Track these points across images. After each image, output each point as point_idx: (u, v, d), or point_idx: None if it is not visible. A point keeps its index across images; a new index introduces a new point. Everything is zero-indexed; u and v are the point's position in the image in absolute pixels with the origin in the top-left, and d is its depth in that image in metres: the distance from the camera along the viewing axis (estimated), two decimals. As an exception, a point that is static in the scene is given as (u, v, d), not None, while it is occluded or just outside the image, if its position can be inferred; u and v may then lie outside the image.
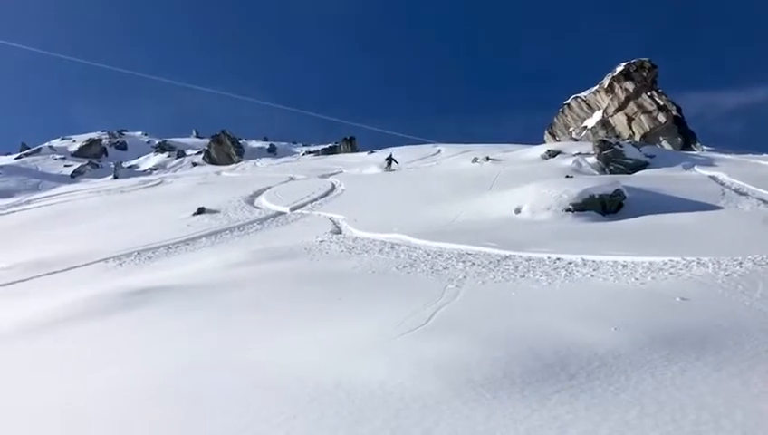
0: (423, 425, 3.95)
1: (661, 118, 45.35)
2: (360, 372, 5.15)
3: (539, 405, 4.21)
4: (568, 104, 54.58)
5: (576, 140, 47.98)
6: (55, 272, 16.59)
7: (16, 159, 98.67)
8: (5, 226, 31.84)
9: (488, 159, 36.48)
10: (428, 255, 12.51)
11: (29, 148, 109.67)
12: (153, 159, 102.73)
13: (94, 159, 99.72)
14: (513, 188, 20.17)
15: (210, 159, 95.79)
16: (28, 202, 45.43)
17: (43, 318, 9.56)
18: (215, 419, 4.39)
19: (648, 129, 45.59)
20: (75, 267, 17.02)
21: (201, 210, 26.57)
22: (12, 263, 18.12)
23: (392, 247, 13.92)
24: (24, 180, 76.26)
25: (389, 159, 40.63)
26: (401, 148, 68.93)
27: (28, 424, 4.96)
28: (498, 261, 11.26)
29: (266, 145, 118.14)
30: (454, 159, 44.70)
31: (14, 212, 38.40)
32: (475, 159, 37.63)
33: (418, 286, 9.60)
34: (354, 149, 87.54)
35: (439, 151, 55.54)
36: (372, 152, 69.40)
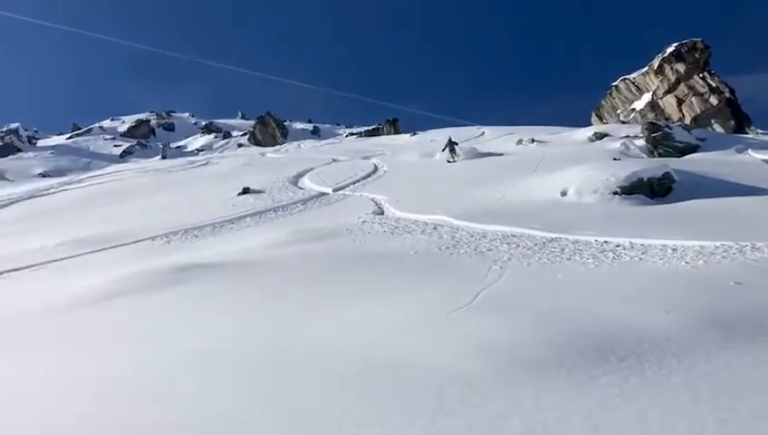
0: (468, 403, 3.90)
1: (713, 100, 43.95)
2: (405, 350, 5.13)
3: (587, 386, 4.12)
4: (616, 86, 53.31)
5: (624, 122, 46.91)
6: (105, 249, 16.94)
7: (68, 139, 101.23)
8: (58, 204, 32.71)
9: (533, 141, 35.93)
10: (472, 236, 12.39)
11: (80, 128, 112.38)
12: (200, 140, 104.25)
13: (143, 139, 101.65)
14: (558, 170, 19.79)
15: (255, 141, 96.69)
16: (80, 181, 46.55)
17: (92, 293, 9.78)
18: (260, 391, 4.41)
19: (699, 111, 44.25)
20: (124, 244, 17.36)
21: (246, 190, 26.83)
22: (63, 240, 18.57)
23: (435, 228, 13.83)
24: (76, 160, 78.23)
25: (451, 145, 32.68)
26: (444, 130, 68.39)
27: (68, 393, 5.05)
28: (543, 243, 11.09)
29: (310, 127, 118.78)
30: (498, 141, 44.19)
31: (66, 190, 39.42)
32: (520, 141, 37.07)
33: (462, 267, 9.52)
34: (397, 131, 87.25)
35: (483, 133, 54.99)
36: (415, 134, 69.09)
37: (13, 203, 34.70)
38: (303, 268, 10.65)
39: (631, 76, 52.27)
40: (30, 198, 36.81)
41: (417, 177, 27.08)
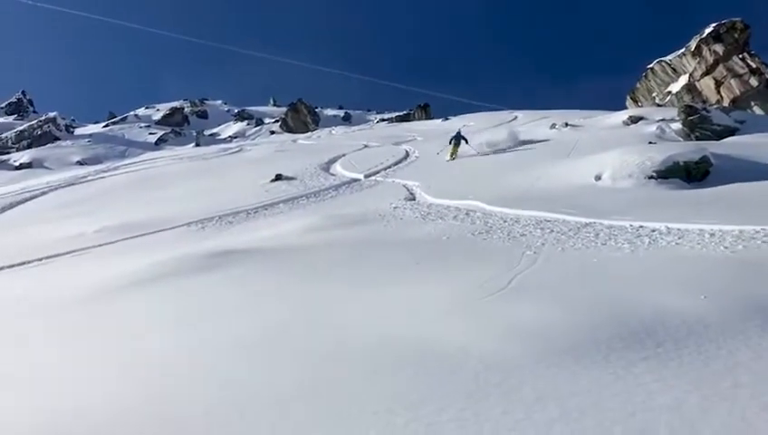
0: (503, 387, 3.90)
1: (753, 81, 42.87)
2: (439, 335, 5.14)
3: (624, 372, 4.08)
4: (651, 69, 52.28)
5: (659, 105, 46.05)
6: (141, 235, 17.22)
7: (104, 127, 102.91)
8: (95, 191, 33.33)
9: (567, 124, 35.49)
10: (505, 221, 12.32)
11: (116, 116, 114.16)
12: (233, 128, 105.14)
13: (177, 127, 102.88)
14: (592, 154, 19.53)
15: (287, 128, 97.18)
16: (116, 168, 47.32)
17: (131, 278, 9.95)
18: (297, 374, 4.46)
19: (739, 93, 43.21)
20: (160, 231, 17.63)
21: (278, 177, 27.03)
22: (101, 226, 18.92)
23: (467, 214, 13.79)
24: (112, 148, 79.46)
25: (458, 140, 27.86)
26: (475, 114, 68.05)
27: (116, 375, 5.17)
28: (578, 228, 10.98)
29: (341, 113, 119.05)
30: (530, 125, 43.72)
31: (103, 178, 40.12)
32: (553, 126, 36.63)
33: (495, 252, 9.47)
34: (428, 117, 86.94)
35: (516, 118, 54.51)
36: (447, 119, 68.74)
37: (52, 190, 35.44)
38: (336, 254, 10.71)
39: (667, 58, 51.22)
40: (68, 185, 37.55)
41: (449, 163, 26.96)
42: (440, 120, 70.68)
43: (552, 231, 10.86)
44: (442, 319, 5.72)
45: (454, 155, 27.17)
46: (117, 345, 6.22)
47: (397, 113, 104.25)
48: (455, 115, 71.74)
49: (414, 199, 17.83)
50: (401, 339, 5.10)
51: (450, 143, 27.69)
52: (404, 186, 21.10)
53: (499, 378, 4.06)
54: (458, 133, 28.26)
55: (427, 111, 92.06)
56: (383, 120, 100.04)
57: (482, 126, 51.47)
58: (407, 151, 34.05)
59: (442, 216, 13.97)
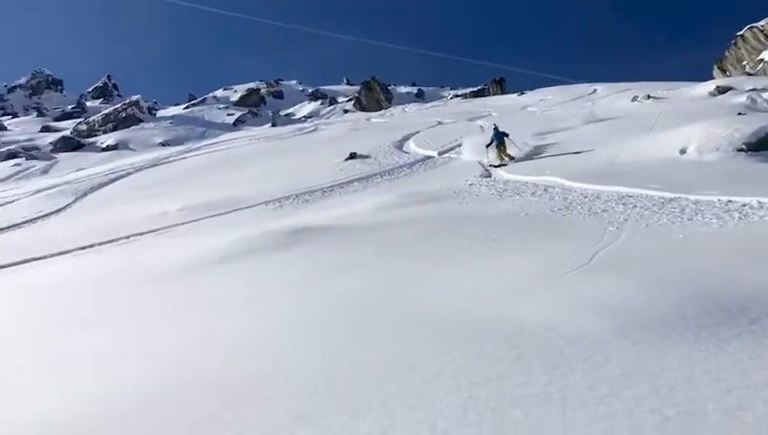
0: (589, 362, 3.82)
1: None
2: (518, 310, 5.07)
3: (716, 348, 3.92)
4: (742, 36, 49.61)
5: (750, 74, 43.72)
6: (221, 213, 17.72)
7: (185, 109, 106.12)
8: (177, 171, 34.43)
9: (649, 97, 34.25)
10: (585, 197, 12.03)
11: (196, 98, 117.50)
12: (307, 107, 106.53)
13: (254, 107, 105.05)
14: (677, 127, 18.77)
15: (360, 106, 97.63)
16: (197, 149, 48.67)
17: (212, 255, 10.27)
18: (375, 349, 4.50)
19: (839, 59, 40.56)
20: (239, 209, 18.10)
21: (353, 155, 27.24)
22: (184, 205, 19.58)
23: (545, 190, 13.52)
24: (192, 129, 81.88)
25: (500, 137, 20.99)
26: (552, 88, 66.55)
27: (197, 346, 5.35)
28: (662, 203, 10.60)
29: (414, 90, 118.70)
30: (611, 98, 42.42)
31: (184, 158, 41.37)
32: (634, 98, 35.47)
33: (576, 229, 9.27)
34: (503, 91, 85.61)
35: (595, 91, 52.97)
36: (522, 93, 67.59)
37: (136, 171, 36.83)
38: (411, 230, 10.72)
39: (760, 24, 48.42)
40: (152, 166, 38.92)
41: (526, 137, 26.47)
42: (516, 94, 69.54)
43: (635, 206, 10.53)
44: (522, 295, 5.64)
45: (504, 158, 20.33)
46: (197, 319, 6.43)
47: (471, 89, 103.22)
48: (530, 89, 70.34)
49: (489, 176, 17.63)
50: (481, 314, 5.07)
51: (491, 144, 20.87)
52: (479, 162, 20.88)
53: (584, 353, 3.98)
54: (497, 130, 21.34)
55: (502, 86, 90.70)
56: (457, 96, 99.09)
57: (558, 100, 50.33)
58: (481, 127, 33.63)
59: (519, 192, 13.75)
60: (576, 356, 3.95)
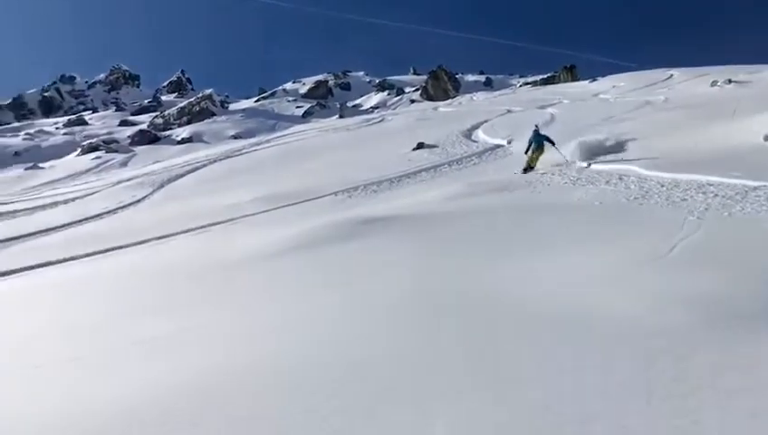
0: (673, 354, 3.70)
1: None
2: (598, 301, 4.97)
3: (813, 344, 3.74)
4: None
5: (840, 56, 41.28)
6: (292, 204, 18.05)
7: (255, 102, 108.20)
8: (249, 163, 35.20)
9: (730, 81, 32.83)
10: (662, 186, 11.65)
11: (266, 91, 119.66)
12: (374, 98, 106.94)
13: (322, 99, 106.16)
14: (761, 113, 17.95)
15: (427, 96, 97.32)
16: (267, 141, 49.60)
17: (284, 244, 10.46)
18: (455, 337, 4.49)
19: None
20: (308, 200, 18.39)
21: (420, 145, 27.24)
22: (255, 196, 20.03)
23: (620, 179, 13.17)
24: (263, 121, 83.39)
25: (539, 141, 18.11)
26: (625, 74, 64.60)
27: (274, 330, 5.46)
28: (745, 192, 10.15)
29: (482, 78, 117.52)
30: (688, 83, 40.90)
31: (256, 151, 42.24)
32: (714, 83, 34.06)
33: (653, 219, 9.00)
34: (575, 78, 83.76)
35: (671, 76, 51.13)
36: (594, 80, 66.03)
37: (211, 163, 37.83)
38: (481, 220, 10.65)
39: None
40: (225, 158, 39.90)
41: (599, 125, 25.83)
42: (587, 81, 67.97)
43: (717, 195, 10.13)
44: (600, 286, 5.52)
45: (533, 163, 17.77)
46: (273, 305, 6.56)
47: (540, 76, 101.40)
48: (602, 76, 68.58)
49: (561, 164, 17.29)
50: (560, 305, 4.99)
51: (529, 149, 18.15)
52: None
53: (667, 345, 3.87)
54: (537, 132, 18.53)
55: (573, 73, 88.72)
56: (526, 83, 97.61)
57: (632, 86, 48.88)
58: (552, 115, 33.01)
59: (593, 181, 13.44)
60: (660, 348, 3.84)
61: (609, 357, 3.78)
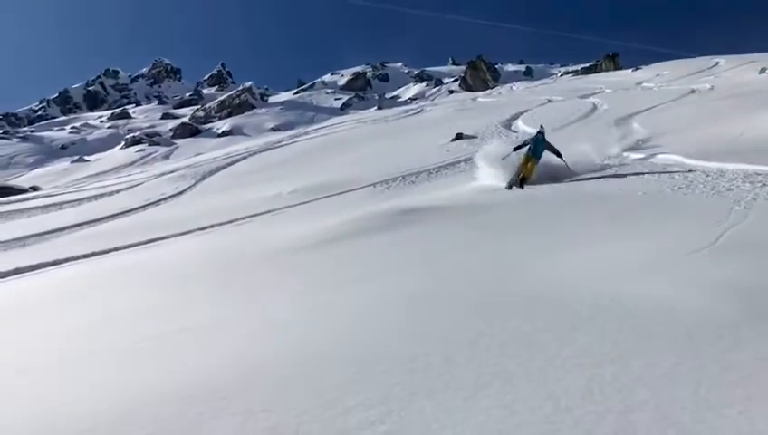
0: (719, 345, 3.64)
1: None
2: (642, 290, 4.90)
3: None
4: None
5: None
6: (332, 195, 18.17)
7: (294, 94, 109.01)
8: (289, 155, 35.50)
9: (779, 68, 31.92)
10: (707, 176, 11.41)
11: (304, 83, 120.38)
12: (413, 89, 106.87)
13: (360, 91, 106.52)
14: (812, 99, 17.46)
15: (466, 86, 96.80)
16: (306, 133, 49.96)
17: (324, 234, 10.54)
18: (494, 326, 4.48)
19: None
20: (347, 191, 18.49)
21: (459, 136, 27.11)
22: (295, 187, 20.22)
23: (664, 168, 12.95)
24: (302, 114, 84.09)
25: (537, 147, 14.28)
26: (668, 63, 63.31)
27: (313, 320, 5.51)
28: (794, 181, 9.90)
29: (522, 68, 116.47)
30: (734, 71, 39.86)
31: (295, 142, 42.57)
32: (762, 70, 33.14)
33: (698, 208, 8.82)
34: (617, 67, 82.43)
35: (717, 64, 49.92)
36: (638, 69, 64.89)
37: (251, 155, 38.25)
38: (525, 210, 10.61)
39: None
40: (265, 150, 40.31)
41: (642, 114, 25.39)
42: (630, 69, 66.80)
43: (765, 185, 9.88)
44: (644, 275, 5.44)
45: (528, 174, 13.90)
46: (313, 294, 6.62)
47: (582, 65, 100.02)
48: (646, 64, 67.29)
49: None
50: (602, 293, 4.92)
51: (521, 148, 14.54)
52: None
53: (713, 335, 3.80)
54: (541, 137, 14.57)
55: (615, 62, 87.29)
56: (567, 72, 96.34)
57: (676, 75, 47.90)
58: (594, 105, 32.54)
59: (636, 171, 13.23)
60: (706, 338, 3.78)
61: (653, 347, 3.73)
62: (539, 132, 14.83)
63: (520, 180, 13.68)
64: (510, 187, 13.59)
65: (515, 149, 14.55)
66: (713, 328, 3.94)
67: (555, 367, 3.58)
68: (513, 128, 29.12)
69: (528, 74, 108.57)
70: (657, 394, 3.09)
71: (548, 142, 14.41)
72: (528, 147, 14.33)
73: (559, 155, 14.15)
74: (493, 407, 3.15)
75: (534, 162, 14.01)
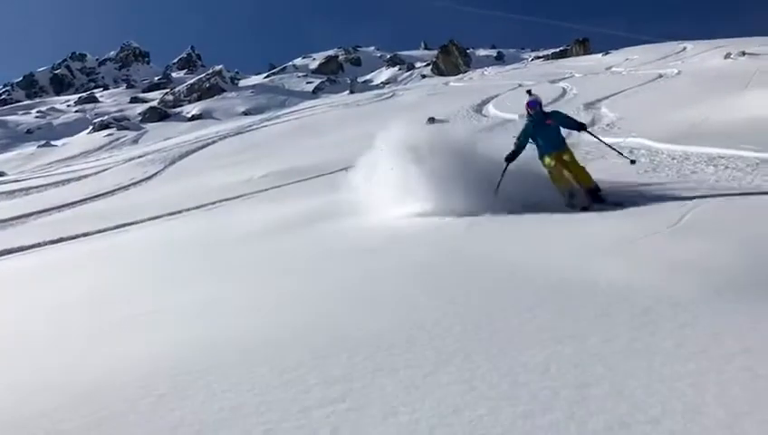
0: (676, 322, 3.73)
1: None
2: (603, 270, 4.99)
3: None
4: None
5: None
6: (303, 179, 18.07)
7: (265, 78, 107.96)
8: (260, 139, 35.25)
9: (744, 54, 32.40)
10: (673, 159, 11.60)
11: (275, 67, 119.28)
12: (385, 73, 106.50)
13: (332, 75, 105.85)
14: (775, 84, 17.77)
15: (438, 71, 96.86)
16: (278, 117, 49.62)
17: (296, 218, 10.56)
18: (454, 305, 4.54)
19: None
20: (321, 175, 18.39)
21: (431, 120, 27.12)
22: (267, 171, 20.10)
23: (631, 152, 13.10)
24: (273, 97, 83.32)
25: (532, 112, 9.30)
26: (637, 48, 64.01)
27: (285, 302, 5.52)
28: (756, 165, 10.09)
29: (494, 53, 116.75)
30: (701, 56, 40.39)
31: (265, 126, 42.28)
32: (727, 55, 33.63)
33: (663, 190, 8.96)
34: (587, 52, 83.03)
35: (684, 49, 50.59)
36: (607, 53, 65.45)
37: (221, 139, 37.94)
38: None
39: None
40: (236, 134, 39.99)
41: (608, 99, 25.63)
42: (600, 54, 67.33)
43: (727, 168, 10.07)
44: (608, 255, 5.54)
45: (581, 180, 8.73)
46: (283, 278, 6.63)
47: (552, 50, 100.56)
48: (615, 49, 67.90)
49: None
50: (564, 273, 5.01)
51: (518, 153, 9.26)
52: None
53: (671, 312, 3.89)
54: (537, 113, 9.48)
55: (585, 46, 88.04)
56: (538, 57, 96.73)
57: (645, 59, 48.43)
58: (563, 89, 32.78)
59: (603, 154, 13.36)
60: (663, 315, 3.87)
61: (611, 324, 3.81)
62: (532, 106, 9.53)
63: (587, 193, 8.65)
64: (574, 205, 8.59)
65: (509, 158, 9.14)
66: (670, 305, 4.02)
67: (515, 345, 3.64)
68: (483, 112, 29.20)
69: (499, 59, 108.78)
70: (612, 369, 3.16)
71: (554, 112, 9.94)
72: (536, 143, 9.41)
73: (581, 126, 9.49)
74: (452, 383, 3.19)
75: (568, 154, 9.09)
